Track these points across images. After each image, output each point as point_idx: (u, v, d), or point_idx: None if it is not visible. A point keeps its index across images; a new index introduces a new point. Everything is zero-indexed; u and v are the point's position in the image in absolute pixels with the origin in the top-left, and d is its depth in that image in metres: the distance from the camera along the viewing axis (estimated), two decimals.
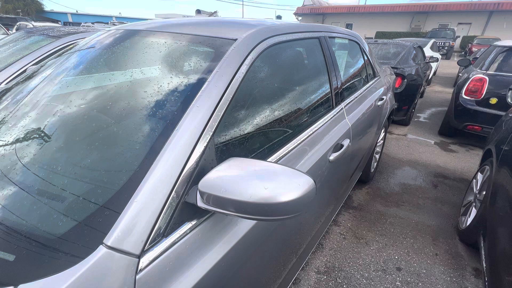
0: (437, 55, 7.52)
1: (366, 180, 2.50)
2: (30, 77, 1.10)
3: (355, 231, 1.95)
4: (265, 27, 0.99)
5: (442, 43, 14.65)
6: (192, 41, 0.91)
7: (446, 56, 14.82)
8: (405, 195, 2.41)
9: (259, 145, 0.87)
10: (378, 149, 2.63)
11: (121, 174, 0.58)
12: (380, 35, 21.35)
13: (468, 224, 1.78)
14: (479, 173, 1.98)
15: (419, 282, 1.56)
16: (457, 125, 3.37)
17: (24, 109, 0.86)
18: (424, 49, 5.97)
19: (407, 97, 3.76)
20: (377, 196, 2.38)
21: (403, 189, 2.50)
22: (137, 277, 0.50)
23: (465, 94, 3.27)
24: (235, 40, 0.86)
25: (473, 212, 1.80)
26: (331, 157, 1.15)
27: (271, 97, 0.98)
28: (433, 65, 7.08)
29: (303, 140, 1.04)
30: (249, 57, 0.85)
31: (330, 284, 1.54)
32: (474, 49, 11.73)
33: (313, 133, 1.11)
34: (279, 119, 0.98)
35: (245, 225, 0.73)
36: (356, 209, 2.20)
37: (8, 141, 0.74)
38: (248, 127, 0.84)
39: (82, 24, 14.94)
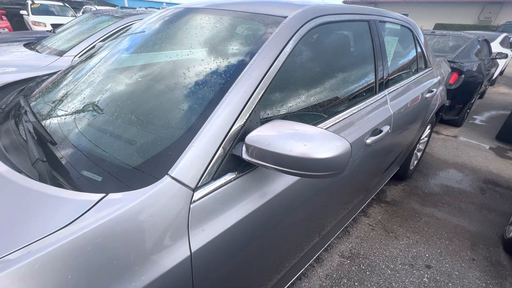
0: (507, 51, 6.58)
1: (404, 177, 2.40)
2: (103, 50, 1.28)
3: (385, 224, 1.91)
4: (314, 6, 1.02)
5: None
6: (245, 18, 0.99)
7: None
8: (446, 197, 2.27)
9: (299, 117, 0.93)
10: (420, 146, 2.49)
11: (184, 124, 0.70)
12: (439, 27, 19.15)
13: None
14: None
15: (449, 282, 1.51)
16: None
17: (111, 73, 1.02)
18: (492, 44, 5.28)
19: (462, 95, 3.42)
20: (413, 194, 2.28)
21: (444, 191, 2.35)
22: (191, 206, 0.61)
23: None
24: (286, 17, 0.91)
25: None
26: (368, 140, 1.16)
27: (313, 74, 1.02)
28: (501, 62, 6.23)
29: (341, 120, 1.07)
30: (297, 34, 0.90)
31: (353, 269, 1.56)
32: None
33: (352, 114, 1.13)
34: (320, 96, 1.02)
35: (279, 185, 0.81)
36: (389, 204, 2.15)
37: (101, 96, 0.90)
38: (290, 99, 0.90)
39: (137, 8, 16.08)
